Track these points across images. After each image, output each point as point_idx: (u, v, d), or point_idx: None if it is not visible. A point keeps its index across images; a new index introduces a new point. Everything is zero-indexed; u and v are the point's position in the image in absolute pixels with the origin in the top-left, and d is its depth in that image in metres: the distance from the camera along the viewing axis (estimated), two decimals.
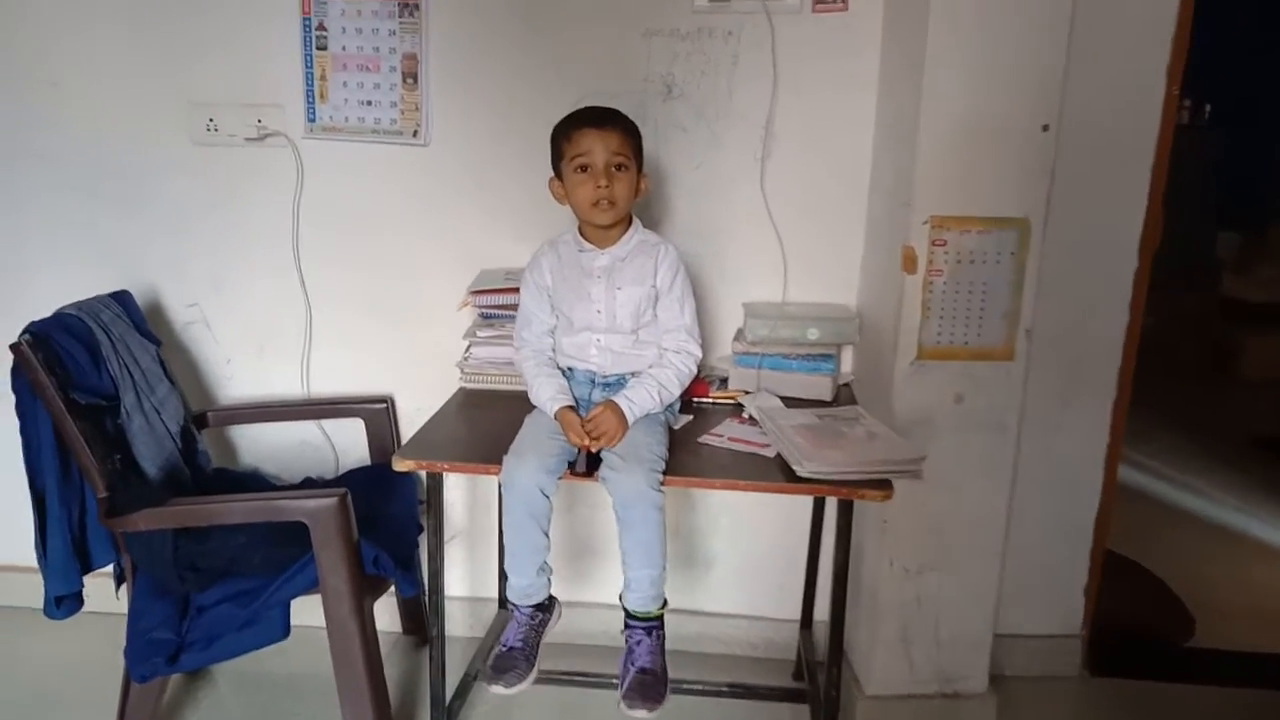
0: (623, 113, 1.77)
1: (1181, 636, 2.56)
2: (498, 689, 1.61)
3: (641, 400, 1.70)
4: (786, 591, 2.36)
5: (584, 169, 1.71)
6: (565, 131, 1.74)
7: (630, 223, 1.80)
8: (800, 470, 1.59)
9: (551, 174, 1.82)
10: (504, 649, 1.65)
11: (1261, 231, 4.88)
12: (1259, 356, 4.65)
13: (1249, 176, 4.72)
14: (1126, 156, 2.02)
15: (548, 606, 1.72)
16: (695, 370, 1.82)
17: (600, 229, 1.77)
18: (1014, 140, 1.79)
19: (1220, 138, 4.57)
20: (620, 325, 1.77)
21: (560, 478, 1.61)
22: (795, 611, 2.36)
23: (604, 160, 1.69)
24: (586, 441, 1.62)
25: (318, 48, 2.13)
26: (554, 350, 1.84)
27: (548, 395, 1.72)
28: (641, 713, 1.58)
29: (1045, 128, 1.79)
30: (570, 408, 1.68)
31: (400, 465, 1.68)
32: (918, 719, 2.08)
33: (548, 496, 1.59)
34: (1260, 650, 2.49)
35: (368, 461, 2.32)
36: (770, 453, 1.72)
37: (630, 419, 1.67)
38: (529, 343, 1.84)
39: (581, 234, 1.81)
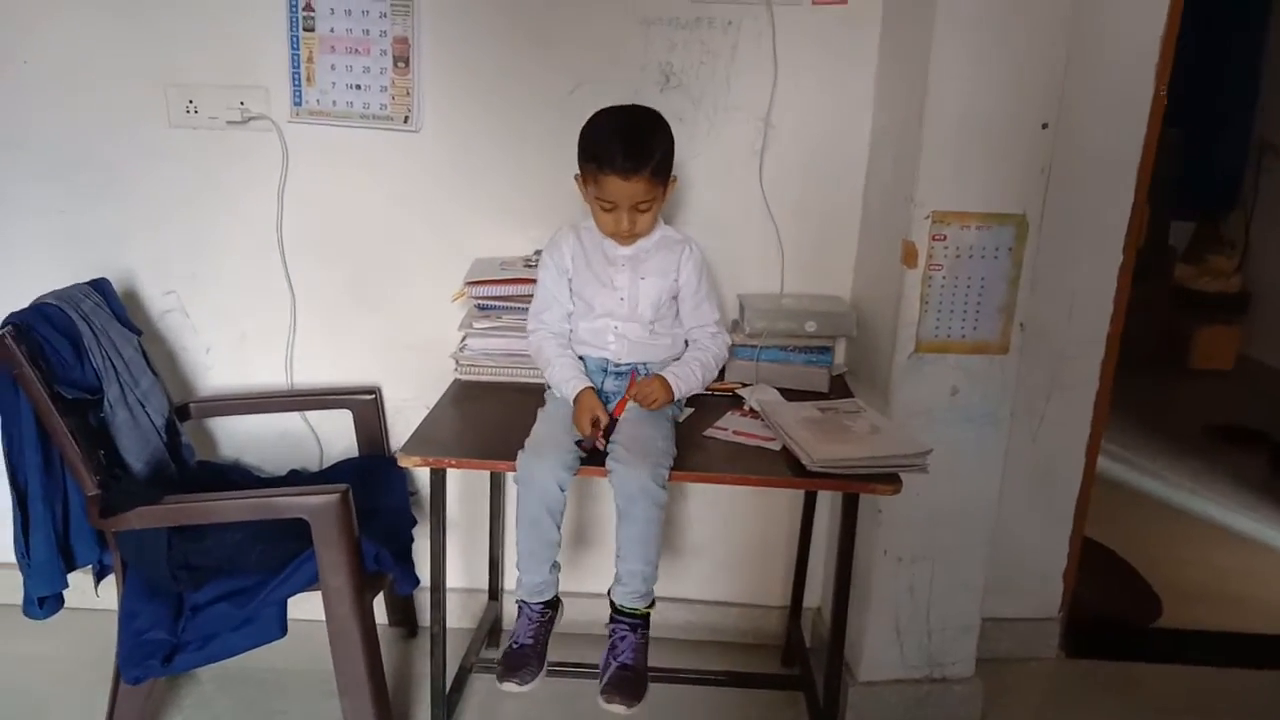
0: (654, 136, 1.70)
1: (1149, 618, 2.65)
2: (510, 686, 1.60)
3: (687, 377, 1.74)
4: (773, 579, 2.39)
5: (607, 208, 1.70)
6: (591, 169, 1.69)
7: (655, 222, 1.80)
8: (810, 465, 1.61)
9: (577, 171, 1.78)
10: (515, 647, 1.64)
11: (1214, 223, 5.03)
12: (1207, 347, 4.80)
13: (1203, 169, 4.86)
14: (1115, 154, 2.07)
15: (555, 603, 1.72)
16: (727, 357, 1.86)
17: None
18: (1014, 137, 1.81)
19: (1176, 132, 4.70)
20: (641, 314, 1.78)
21: (575, 474, 1.60)
22: (781, 598, 2.39)
23: (628, 205, 1.69)
24: (600, 437, 1.62)
25: (305, 29, 2.07)
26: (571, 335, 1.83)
27: (570, 376, 1.72)
28: (620, 708, 1.59)
29: (1045, 125, 1.81)
30: (591, 389, 1.68)
31: (405, 461, 1.65)
32: (908, 703, 2.13)
33: (564, 491, 1.58)
34: (1222, 629, 2.59)
35: (352, 453, 2.28)
36: (775, 446, 1.73)
37: (676, 393, 1.71)
38: (548, 325, 1.83)
39: None
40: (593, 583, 2.29)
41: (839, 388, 2.05)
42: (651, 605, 1.68)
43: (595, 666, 1.68)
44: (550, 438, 1.62)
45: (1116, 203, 2.12)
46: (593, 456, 1.64)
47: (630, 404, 1.70)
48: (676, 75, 2.08)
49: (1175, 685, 2.36)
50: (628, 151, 1.64)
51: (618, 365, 1.79)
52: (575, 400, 1.68)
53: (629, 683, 1.61)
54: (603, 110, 1.74)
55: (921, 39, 1.80)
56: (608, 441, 1.63)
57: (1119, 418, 3.65)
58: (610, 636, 1.67)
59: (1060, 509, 2.33)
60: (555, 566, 1.67)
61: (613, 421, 1.67)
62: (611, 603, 1.68)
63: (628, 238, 1.75)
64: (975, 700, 2.15)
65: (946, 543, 2.05)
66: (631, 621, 1.66)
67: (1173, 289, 4.95)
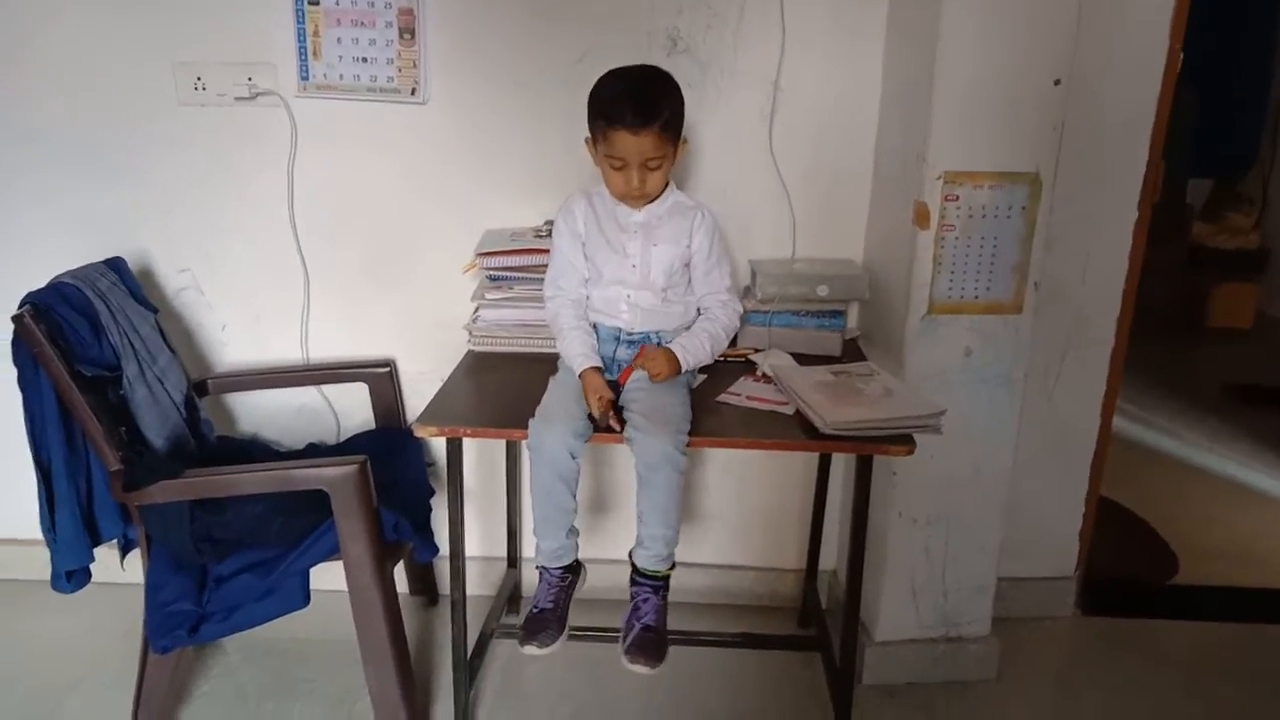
0: (663, 94, 1.69)
1: (1166, 575, 2.66)
2: (531, 649, 1.62)
3: (695, 349, 1.73)
4: (788, 542, 2.41)
5: (617, 165, 1.69)
6: (600, 125, 1.68)
7: (665, 183, 1.79)
8: (824, 428, 1.61)
9: (587, 134, 1.77)
10: (536, 611, 1.66)
11: (1232, 180, 4.95)
12: (1225, 305, 4.76)
13: (1221, 129, 4.78)
14: (1130, 111, 2.04)
15: (575, 568, 1.74)
16: (738, 325, 1.86)
17: None
18: (1026, 95, 1.79)
19: (1193, 89, 4.62)
20: (653, 282, 1.78)
21: (588, 440, 1.61)
22: (797, 561, 2.40)
23: (638, 162, 1.67)
24: (610, 414, 1.63)
25: (310, 2, 2.06)
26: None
27: (578, 352, 1.72)
28: (643, 669, 1.61)
29: (1057, 82, 1.79)
30: (597, 369, 1.68)
31: (422, 431, 1.67)
32: (924, 662, 2.14)
33: (576, 459, 1.59)
34: (1238, 585, 2.59)
35: (369, 426, 2.30)
36: (789, 410, 1.74)
37: (684, 366, 1.71)
38: (566, 291, 1.82)
39: None
40: (613, 548, 2.30)
41: (852, 351, 2.05)
42: (673, 567, 1.70)
43: (616, 631, 1.71)
44: (561, 406, 1.63)
45: (1131, 160, 2.09)
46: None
47: (641, 373, 1.71)
48: (684, 40, 2.06)
49: (1191, 640, 2.37)
50: (636, 107, 1.63)
51: (630, 334, 1.79)
52: (581, 377, 1.68)
53: (652, 644, 1.63)
54: (612, 70, 1.74)
55: None
56: (619, 415, 1.64)
57: (1137, 378, 3.65)
58: (632, 599, 1.69)
59: (1076, 468, 2.32)
60: (573, 531, 1.69)
61: (617, 390, 1.67)
62: (633, 565, 1.70)
63: (639, 198, 1.73)
64: (991, 658, 2.16)
65: (961, 504, 2.05)
66: (654, 583, 1.68)
67: (1190, 247, 4.89)
